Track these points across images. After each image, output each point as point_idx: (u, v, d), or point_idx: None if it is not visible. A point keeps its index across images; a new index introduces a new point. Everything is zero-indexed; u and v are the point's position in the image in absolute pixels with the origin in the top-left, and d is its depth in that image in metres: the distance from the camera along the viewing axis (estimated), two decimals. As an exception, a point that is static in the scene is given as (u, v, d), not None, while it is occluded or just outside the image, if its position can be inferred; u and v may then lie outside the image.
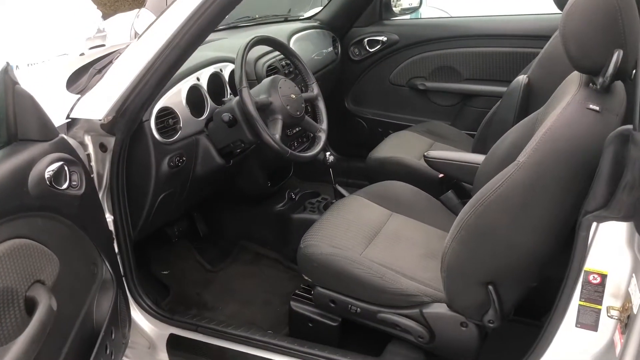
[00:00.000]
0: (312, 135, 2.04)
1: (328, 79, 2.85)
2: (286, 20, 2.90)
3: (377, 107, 3.06)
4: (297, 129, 2.26)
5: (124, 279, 1.69)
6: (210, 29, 1.46)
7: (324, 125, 2.03)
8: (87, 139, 1.60)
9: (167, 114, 1.74)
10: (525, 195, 1.22)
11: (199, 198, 2.18)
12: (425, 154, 2.07)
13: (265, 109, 1.80)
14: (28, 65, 2.28)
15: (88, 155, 1.62)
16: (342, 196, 2.33)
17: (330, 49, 2.88)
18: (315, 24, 2.91)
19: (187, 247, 2.46)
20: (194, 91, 1.89)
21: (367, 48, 2.97)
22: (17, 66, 2.18)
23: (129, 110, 1.53)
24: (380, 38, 2.93)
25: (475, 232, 1.31)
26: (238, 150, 1.97)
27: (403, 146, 2.46)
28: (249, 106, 1.69)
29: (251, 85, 1.83)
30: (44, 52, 2.35)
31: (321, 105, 2.06)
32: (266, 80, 1.86)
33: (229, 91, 2.04)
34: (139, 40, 1.54)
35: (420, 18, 3.55)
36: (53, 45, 2.48)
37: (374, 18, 2.98)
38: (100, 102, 1.55)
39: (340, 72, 3.01)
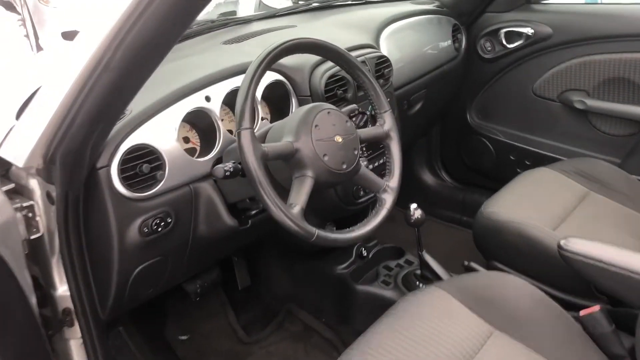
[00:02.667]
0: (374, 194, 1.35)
1: (444, 81, 2.11)
2: (387, 1, 2.16)
3: (511, 125, 2.25)
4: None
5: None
6: (174, 29, 0.87)
7: (394, 182, 1.32)
8: (33, 184, 1.15)
9: (143, 154, 1.19)
10: None
11: (214, 259, 1.61)
12: (562, 243, 1.28)
13: (288, 160, 1.15)
14: None
15: (30, 207, 1.12)
16: (431, 271, 1.63)
17: (449, 41, 2.12)
18: (429, 7, 2.15)
19: (220, 301, 1.92)
20: (201, 117, 1.30)
21: (505, 43, 2.15)
22: None
23: (60, 155, 1.02)
24: (524, 30, 2.10)
25: None
26: (256, 211, 1.36)
27: (538, 200, 1.70)
28: (248, 161, 1.06)
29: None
30: None
31: (394, 147, 1.35)
32: (299, 112, 1.20)
33: (260, 115, 1.41)
34: (68, 47, 0.99)
35: (593, 3, 2.56)
36: None
37: (519, 0, 2.14)
38: (22, 143, 1.07)
39: (462, 73, 2.24)
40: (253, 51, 1.56)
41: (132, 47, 0.86)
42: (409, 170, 2.42)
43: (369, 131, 1.33)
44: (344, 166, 1.19)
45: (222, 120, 1.35)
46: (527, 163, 2.18)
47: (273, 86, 1.45)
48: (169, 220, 1.26)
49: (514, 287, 1.33)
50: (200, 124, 1.35)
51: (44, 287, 1.27)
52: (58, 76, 0.97)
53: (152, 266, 1.31)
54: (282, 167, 1.19)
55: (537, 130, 2.18)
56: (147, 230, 1.22)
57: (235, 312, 1.92)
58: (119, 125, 1.18)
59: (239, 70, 1.37)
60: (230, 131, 1.35)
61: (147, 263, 1.29)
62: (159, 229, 1.24)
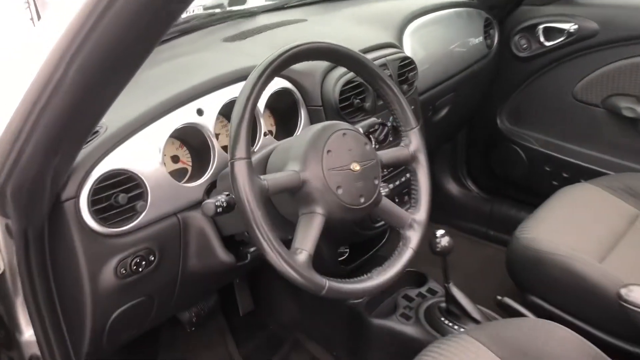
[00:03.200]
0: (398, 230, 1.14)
1: (473, 83, 1.90)
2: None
3: (547, 132, 2.02)
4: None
5: None
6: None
7: (421, 215, 1.11)
8: (-11, 215, 0.96)
9: (120, 182, 1.00)
10: None
11: (210, 292, 1.41)
12: (623, 293, 1.07)
13: (294, 194, 0.95)
14: None
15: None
16: (458, 306, 1.43)
17: (480, 38, 1.89)
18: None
19: (219, 327, 1.73)
20: (192, 133, 1.10)
21: (542, 40, 1.92)
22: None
23: (10, 189, 0.85)
24: (566, 26, 1.86)
25: None
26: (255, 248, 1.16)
27: (581, 223, 1.50)
28: (243, 199, 0.85)
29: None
30: None
31: (422, 172, 1.14)
32: (307, 133, 0.99)
33: (262, 130, 1.20)
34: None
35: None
36: None
37: (561, -9, 1.91)
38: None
39: (493, 73, 2.02)
40: (256, 51, 1.35)
41: (89, 62, 0.65)
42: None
43: (392, 153, 1.11)
44: (362, 200, 0.98)
45: (217, 136, 1.14)
46: (565, 175, 1.95)
47: (279, 94, 1.24)
48: (152, 259, 1.06)
49: (561, 340, 1.12)
50: (191, 140, 1.15)
51: (9, 328, 1.09)
52: (2, 95, 0.77)
53: (134, 308, 1.12)
54: (288, 198, 0.98)
55: (576, 138, 1.95)
56: (125, 271, 1.03)
57: (235, 341, 1.73)
58: (89, 147, 0.98)
59: (239, 77, 1.16)
60: (227, 148, 1.14)
61: (127, 305, 1.10)
62: (140, 269, 1.05)
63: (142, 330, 1.26)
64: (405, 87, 1.43)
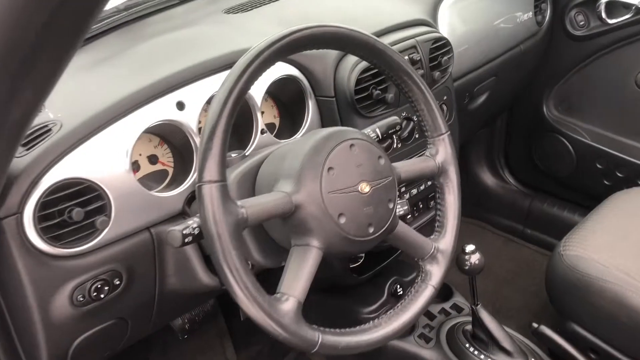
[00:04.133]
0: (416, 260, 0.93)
1: (518, 65, 1.66)
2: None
3: (601, 124, 1.78)
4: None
5: None
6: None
7: (447, 243, 0.91)
8: None
9: (76, 193, 0.82)
10: None
11: (196, 306, 1.25)
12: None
13: (286, 218, 0.76)
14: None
15: None
16: (486, 331, 1.24)
17: (530, 13, 1.63)
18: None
19: (218, 330, 1.57)
20: (171, 131, 0.91)
21: (604, 16, 1.66)
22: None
23: None
24: (635, 0, 1.58)
25: None
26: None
27: (639, 240, 1.24)
28: (212, 235, 0.66)
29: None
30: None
31: (450, 189, 0.93)
32: (307, 141, 0.80)
33: (259, 127, 1.01)
34: None
35: None
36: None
37: (630, -41, 1.63)
38: None
39: (542, 54, 1.76)
40: (258, 28, 1.14)
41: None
42: (462, 165, 1.99)
43: (413, 166, 0.90)
44: (371, 230, 0.79)
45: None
46: (619, 175, 1.71)
47: (283, 81, 1.04)
48: (117, 283, 0.89)
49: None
50: (172, 138, 0.96)
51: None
52: None
53: (103, 331, 0.96)
54: (279, 221, 0.79)
55: (637, 133, 1.70)
56: (82, 298, 0.86)
57: (234, 346, 1.58)
58: (37, 150, 0.81)
59: (228, 63, 0.96)
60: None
61: (93, 331, 0.94)
62: (102, 296, 0.88)
63: (118, 350, 1.10)
64: (437, 74, 1.21)
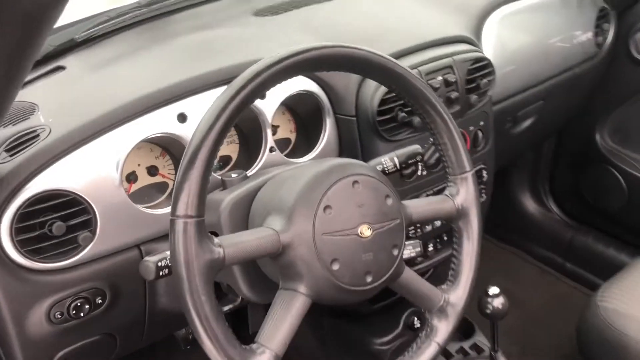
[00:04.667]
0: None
1: (572, 89, 1.52)
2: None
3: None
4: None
5: None
6: None
7: (459, 296, 0.82)
8: None
9: (59, 205, 0.77)
10: None
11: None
12: None
13: (274, 258, 0.68)
14: None
15: None
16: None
17: (590, 34, 1.50)
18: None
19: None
20: (173, 143, 0.86)
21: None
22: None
23: None
24: None
25: None
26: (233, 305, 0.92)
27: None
28: (180, 273, 0.60)
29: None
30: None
31: (468, 235, 0.83)
32: (305, 173, 0.72)
33: (267, 145, 0.93)
34: None
35: None
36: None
37: None
38: None
39: (600, 79, 1.61)
40: (283, 36, 1.07)
41: None
42: (501, 186, 1.88)
43: (429, 206, 0.81)
44: (369, 279, 0.70)
45: None
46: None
47: (299, 96, 0.96)
48: (99, 302, 0.84)
49: None
50: (173, 149, 0.90)
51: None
52: None
53: (89, 346, 0.92)
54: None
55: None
56: (60, 316, 0.81)
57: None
58: (20, 157, 0.76)
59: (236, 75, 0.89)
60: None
61: (75, 346, 0.89)
62: (82, 314, 0.82)
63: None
64: (474, 97, 1.11)
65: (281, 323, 0.67)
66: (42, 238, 0.76)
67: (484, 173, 1.21)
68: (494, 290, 1.13)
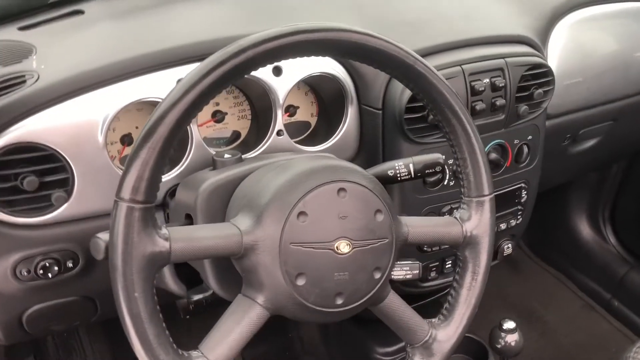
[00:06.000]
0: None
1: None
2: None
3: None
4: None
5: None
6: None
7: (450, 332, 0.72)
8: None
9: (35, 159, 0.73)
10: None
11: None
12: None
13: (236, 259, 0.61)
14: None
15: None
16: None
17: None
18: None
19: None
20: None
21: None
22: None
23: None
24: None
25: None
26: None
27: None
28: (115, 262, 0.54)
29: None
30: None
31: (474, 267, 0.72)
32: (287, 171, 0.64)
33: (276, 127, 0.86)
34: None
35: None
36: None
37: None
38: None
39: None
40: (320, 9, 0.98)
41: None
42: (556, 204, 1.77)
43: (429, 228, 0.71)
44: (339, 301, 0.62)
45: (198, 122, 0.83)
46: None
47: (322, 78, 0.88)
48: (70, 265, 0.80)
49: None
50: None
51: None
52: None
53: (64, 306, 0.89)
54: None
55: None
56: (27, 273, 0.78)
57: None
58: (0, 102, 0.71)
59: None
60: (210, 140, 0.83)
61: (48, 304, 0.86)
62: (49, 275, 0.79)
63: (91, 323, 1.03)
64: (523, 107, 0.98)
65: (229, 333, 0.60)
66: (15, 190, 0.73)
67: (523, 193, 1.08)
68: (509, 324, 1.02)
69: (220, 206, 0.70)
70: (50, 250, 0.78)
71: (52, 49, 0.82)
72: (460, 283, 0.72)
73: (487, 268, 0.72)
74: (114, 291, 0.55)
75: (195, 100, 0.54)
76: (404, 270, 0.75)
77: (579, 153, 1.31)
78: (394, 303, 0.69)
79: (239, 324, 0.60)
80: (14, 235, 0.75)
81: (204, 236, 0.58)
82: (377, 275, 0.64)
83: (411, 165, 0.79)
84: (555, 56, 1.09)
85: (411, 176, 0.79)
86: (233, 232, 0.59)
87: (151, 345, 0.55)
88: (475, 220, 0.71)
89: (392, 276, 0.74)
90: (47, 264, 0.78)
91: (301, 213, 0.59)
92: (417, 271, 0.77)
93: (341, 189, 0.61)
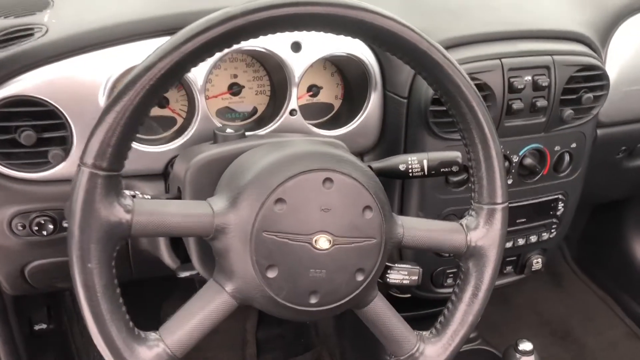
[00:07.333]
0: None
1: None
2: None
3: None
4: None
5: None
6: None
7: (439, 348, 0.66)
8: None
9: (37, 114, 0.72)
10: None
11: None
12: None
13: (210, 243, 0.58)
14: None
15: None
16: None
17: None
18: None
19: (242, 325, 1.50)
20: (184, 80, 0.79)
21: None
22: None
23: None
24: None
25: None
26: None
27: None
28: (72, 230, 0.51)
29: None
30: None
31: (476, 280, 0.66)
32: (272, 151, 0.60)
33: (290, 106, 0.82)
34: None
35: None
36: None
37: None
38: None
39: None
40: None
41: None
42: (609, 222, 1.66)
43: (429, 232, 0.65)
44: (313, 300, 0.58)
45: (207, 90, 0.80)
46: None
47: (347, 60, 0.83)
48: (66, 225, 0.79)
49: None
50: (187, 86, 0.81)
51: None
52: None
53: (65, 264, 0.87)
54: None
55: None
56: (22, 228, 0.78)
57: (258, 320, 1.46)
58: (6, 52, 0.70)
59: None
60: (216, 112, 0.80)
61: (49, 260, 0.87)
62: (44, 233, 0.79)
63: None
64: (567, 111, 0.89)
65: (191, 318, 0.57)
66: (13, 144, 0.72)
67: (560, 205, 0.99)
68: (525, 346, 0.95)
69: (210, 182, 0.67)
70: (46, 207, 0.77)
71: (68, 5, 0.80)
72: (459, 297, 0.66)
73: (490, 285, 0.66)
74: (69, 260, 0.52)
75: (173, 67, 0.51)
76: (401, 275, 0.70)
77: (636, 168, 1.20)
78: (380, 309, 0.64)
79: (201, 311, 0.57)
80: (10, 188, 0.75)
81: (171, 212, 0.55)
82: (360, 277, 0.59)
83: (425, 162, 0.73)
84: (616, 59, 0.99)
85: (424, 173, 0.74)
86: (205, 212, 0.56)
87: (104, 320, 0.53)
88: (483, 230, 0.65)
89: (388, 280, 0.69)
90: (42, 221, 0.78)
91: (279, 200, 0.55)
92: (416, 277, 0.71)
93: (327, 179, 0.57)
